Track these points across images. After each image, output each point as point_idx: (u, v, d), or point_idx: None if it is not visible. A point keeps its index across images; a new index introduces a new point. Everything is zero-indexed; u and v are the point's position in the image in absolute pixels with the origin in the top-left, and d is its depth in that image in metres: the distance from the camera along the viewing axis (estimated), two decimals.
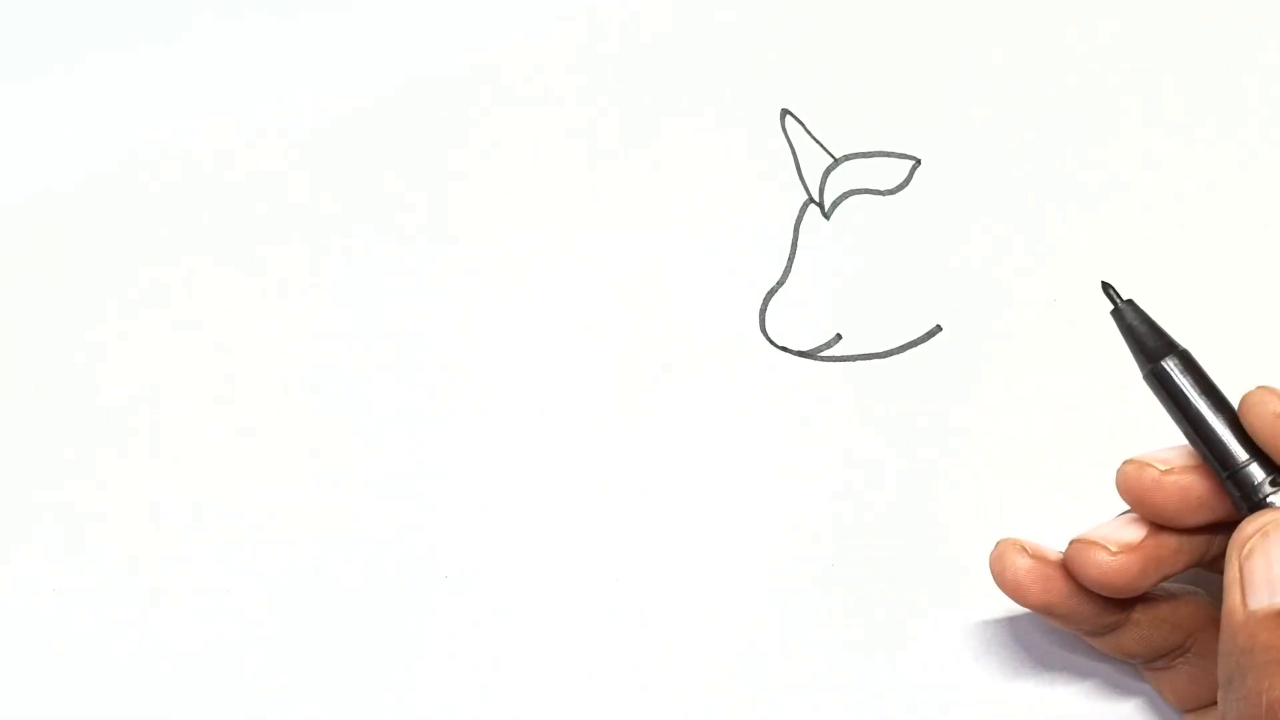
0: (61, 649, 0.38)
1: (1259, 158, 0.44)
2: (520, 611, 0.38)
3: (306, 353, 0.42)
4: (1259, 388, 0.31)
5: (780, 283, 0.43)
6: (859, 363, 0.41)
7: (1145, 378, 0.32)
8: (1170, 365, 0.32)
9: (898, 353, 0.41)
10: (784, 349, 0.42)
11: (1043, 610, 0.34)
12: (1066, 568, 0.33)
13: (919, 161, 0.44)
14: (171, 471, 0.41)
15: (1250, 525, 0.30)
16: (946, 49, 0.46)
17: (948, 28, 0.46)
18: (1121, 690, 0.37)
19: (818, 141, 0.44)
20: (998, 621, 0.38)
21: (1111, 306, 0.33)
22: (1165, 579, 0.33)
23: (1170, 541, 0.32)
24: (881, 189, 0.44)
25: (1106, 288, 0.33)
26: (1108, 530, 0.33)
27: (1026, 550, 0.33)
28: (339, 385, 0.42)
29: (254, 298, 0.43)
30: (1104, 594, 0.33)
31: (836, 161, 0.44)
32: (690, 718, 0.37)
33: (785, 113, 0.45)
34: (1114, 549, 0.32)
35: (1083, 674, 0.37)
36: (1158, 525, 0.32)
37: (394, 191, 0.44)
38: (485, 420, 0.41)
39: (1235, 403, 0.31)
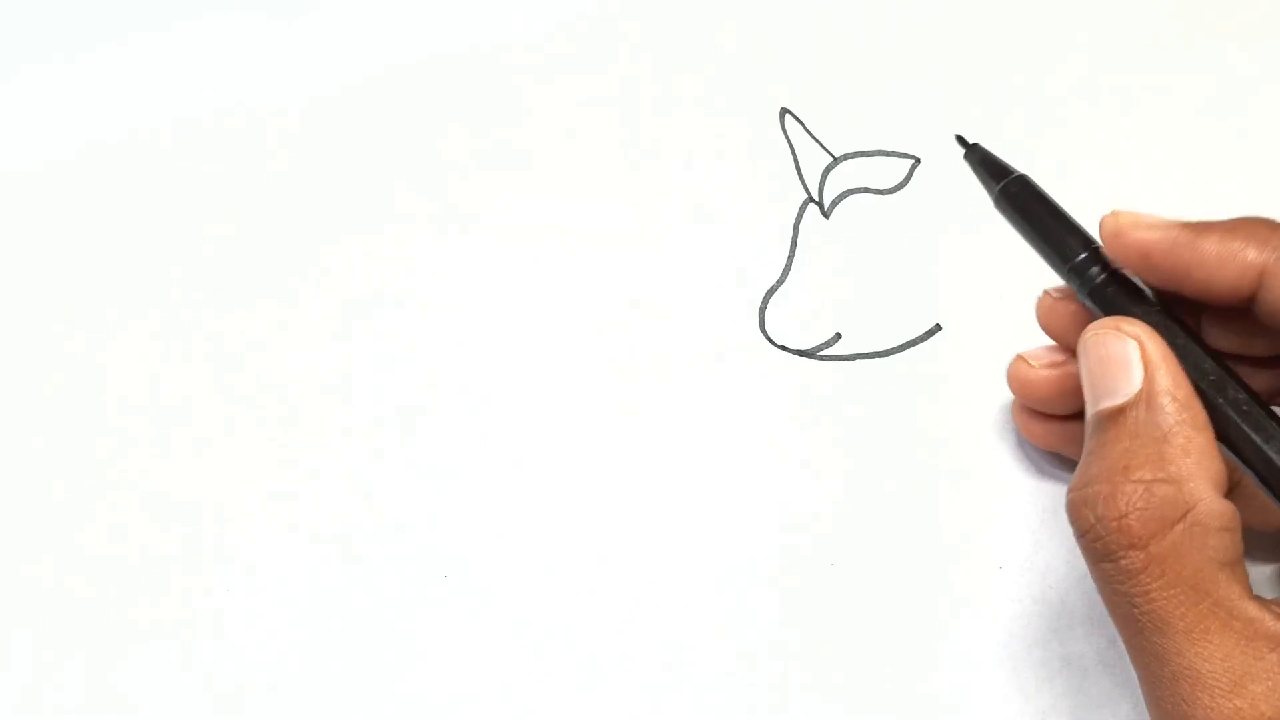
0: (61, 649, 0.38)
1: (1260, 156, 0.44)
2: (520, 611, 0.38)
3: (305, 352, 0.42)
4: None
5: (780, 282, 0.43)
6: (859, 362, 0.41)
7: (995, 202, 0.37)
8: (1013, 185, 0.36)
9: (897, 352, 0.41)
10: (784, 348, 0.42)
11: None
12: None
13: (919, 161, 0.44)
14: (170, 471, 0.41)
15: (1081, 335, 0.33)
16: (946, 49, 0.46)
17: (947, 28, 0.46)
18: (1123, 686, 0.37)
19: (817, 141, 0.44)
20: (998, 621, 0.38)
21: (964, 151, 0.37)
22: None
23: None
24: (881, 188, 0.44)
25: (959, 139, 0.37)
26: (1040, 350, 0.37)
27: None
28: (338, 385, 0.42)
29: (250, 295, 0.43)
30: (1032, 405, 0.37)
31: (836, 161, 0.44)
32: (690, 717, 0.37)
33: (785, 112, 0.45)
34: (1034, 363, 0.37)
35: (1084, 672, 0.37)
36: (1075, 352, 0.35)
37: (394, 190, 0.45)
38: (484, 420, 0.41)
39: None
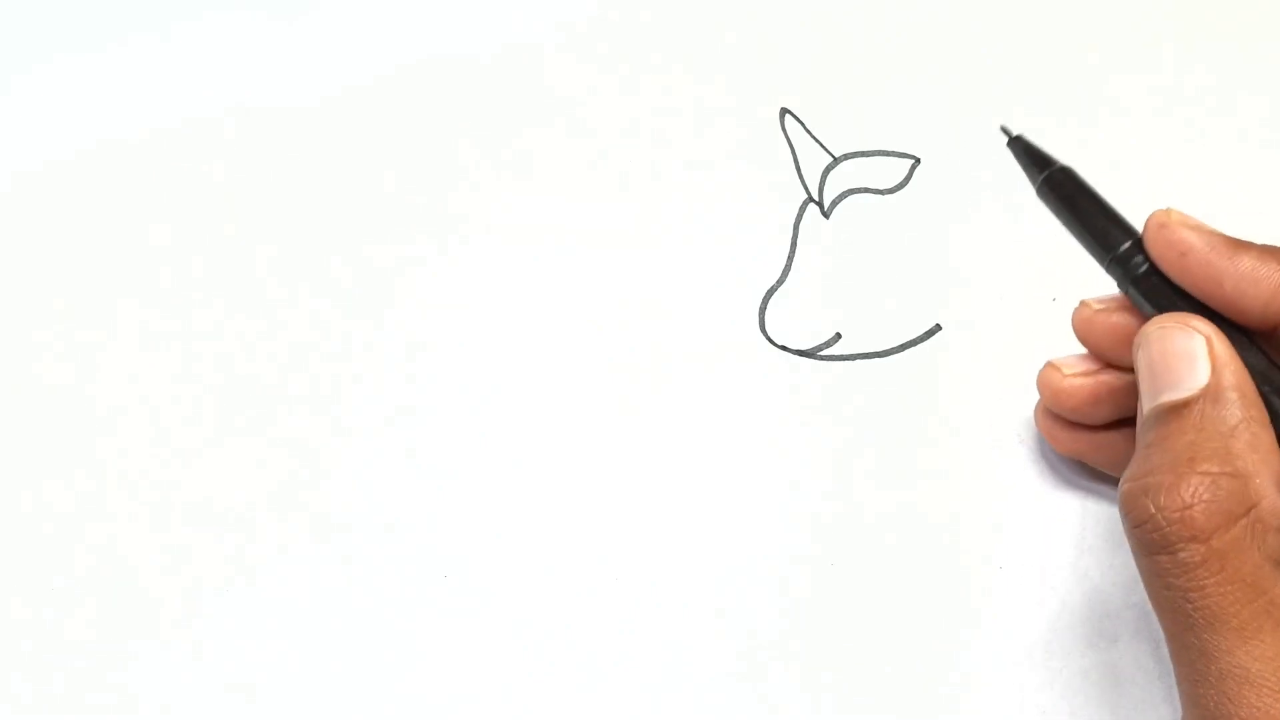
0: (60, 649, 0.38)
1: (1260, 156, 0.44)
2: (519, 611, 0.38)
3: (306, 353, 0.42)
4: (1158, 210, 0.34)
5: (780, 282, 0.43)
6: (859, 362, 0.41)
7: (1038, 192, 0.37)
8: (1057, 175, 0.36)
9: (897, 352, 0.41)
10: (784, 348, 0.42)
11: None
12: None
13: (918, 161, 0.44)
14: (171, 471, 0.41)
15: (1143, 329, 0.33)
16: (946, 49, 0.46)
17: (947, 28, 0.46)
18: (1123, 686, 0.37)
19: (817, 141, 0.44)
20: (999, 620, 0.38)
21: (1007, 139, 0.37)
22: (1133, 414, 0.34)
23: (1126, 378, 0.35)
24: (881, 188, 0.44)
25: (1004, 129, 0.37)
26: (1071, 358, 0.37)
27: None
28: (338, 384, 0.42)
29: (250, 295, 0.43)
30: (1064, 415, 0.37)
31: (836, 161, 0.44)
32: (690, 717, 0.37)
33: (785, 112, 0.45)
34: (1066, 371, 0.36)
35: (1084, 672, 0.37)
36: (1109, 362, 0.36)
37: (394, 190, 0.45)
38: (484, 420, 0.41)
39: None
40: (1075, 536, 0.39)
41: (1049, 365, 0.37)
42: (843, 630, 0.38)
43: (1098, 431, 0.37)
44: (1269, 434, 0.30)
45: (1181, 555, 0.29)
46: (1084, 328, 0.36)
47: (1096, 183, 0.43)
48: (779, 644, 0.38)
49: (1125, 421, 0.37)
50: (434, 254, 0.43)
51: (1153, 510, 0.29)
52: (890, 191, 0.44)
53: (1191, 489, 0.29)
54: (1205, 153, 0.44)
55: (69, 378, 0.42)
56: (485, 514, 0.40)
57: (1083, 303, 0.36)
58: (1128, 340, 0.34)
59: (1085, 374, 0.36)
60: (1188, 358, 0.31)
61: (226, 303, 0.43)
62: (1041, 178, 0.37)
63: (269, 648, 0.38)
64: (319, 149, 0.45)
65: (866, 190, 0.44)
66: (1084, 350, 0.37)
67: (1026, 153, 0.38)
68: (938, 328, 0.42)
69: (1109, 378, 0.36)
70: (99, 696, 0.38)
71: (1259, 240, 0.44)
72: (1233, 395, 0.30)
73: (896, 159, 0.44)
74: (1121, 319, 0.35)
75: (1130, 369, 0.34)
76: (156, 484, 0.40)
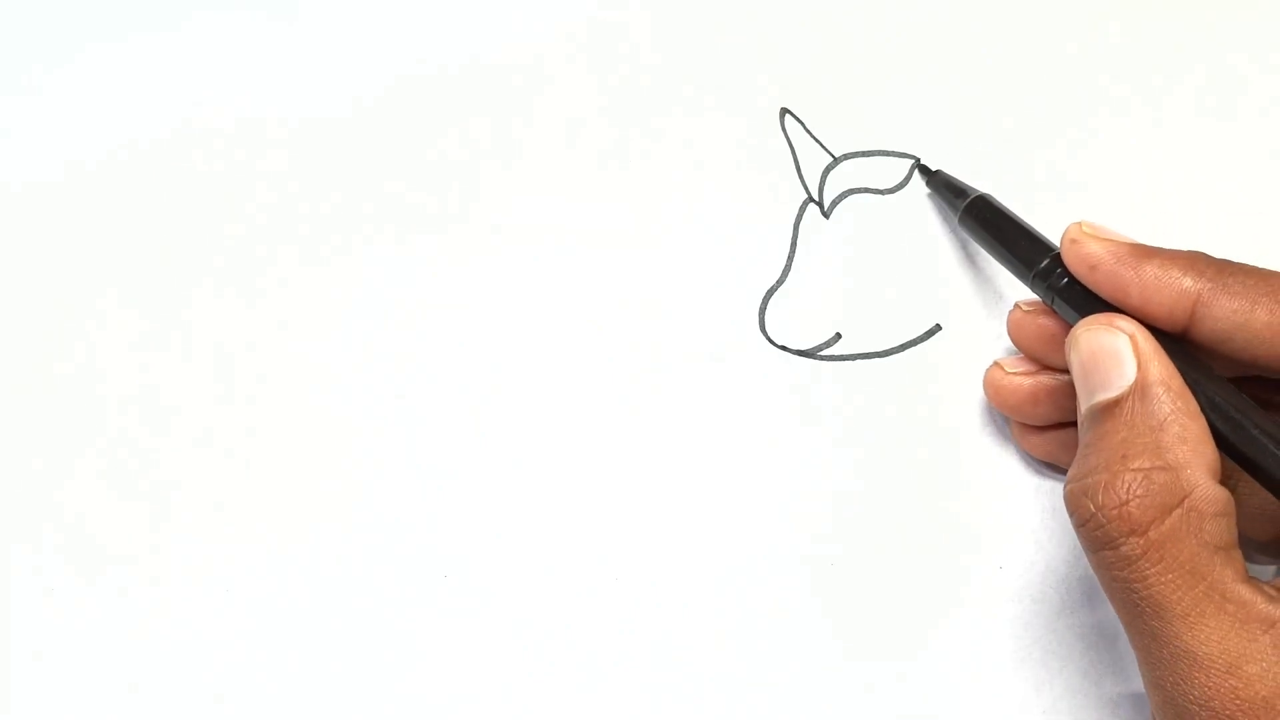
0: (60, 649, 0.38)
1: (1258, 155, 0.44)
2: (520, 611, 0.38)
3: (304, 353, 0.42)
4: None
5: (780, 282, 0.43)
6: (859, 362, 0.41)
7: (960, 220, 0.40)
8: (975, 204, 0.39)
9: (897, 352, 0.41)
10: (784, 348, 0.42)
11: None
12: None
13: (918, 161, 0.44)
14: (169, 471, 0.41)
15: (1072, 332, 0.34)
16: (946, 49, 0.46)
17: (947, 28, 0.46)
18: (1124, 686, 0.37)
19: (817, 141, 0.44)
20: (998, 621, 0.38)
21: (925, 178, 0.42)
22: (1073, 417, 0.36)
23: (1063, 380, 0.37)
24: (881, 188, 0.44)
25: (921, 168, 0.42)
26: (1014, 358, 0.38)
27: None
28: (338, 385, 0.42)
29: (251, 295, 0.43)
30: (1008, 413, 0.38)
31: (836, 160, 0.44)
32: (690, 717, 0.37)
33: (785, 112, 0.45)
34: (1008, 369, 0.38)
35: (1084, 672, 0.37)
36: (1045, 364, 0.37)
37: (393, 191, 0.45)
38: (484, 420, 0.41)
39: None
40: (1075, 536, 0.38)
41: (994, 364, 0.38)
42: (842, 630, 0.38)
43: (1060, 431, 0.38)
44: (1198, 423, 0.31)
45: (1123, 549, 0.30)
46: (1016, 330, 0.37)
47: (1097, 183, 0.44)
48: (779, 644, 0.38)
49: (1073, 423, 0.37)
50: (434, 254, 0.43)
51: (1093, 509, 0.30)
52: (890, 192, 0.44)
53: (1126, 485, 0.30)
54: (1205, 152, 0.44)
55: (68, 378, 0.42)
56: (485, 514, 0.40)
57: (1016, 305, 0.37)
58: (1057, 342, 0.36)
59: (1025, 374, 0.38)
60: (1114, 356, 0.32)
61: (226, 303, 0.43)
62: (962, 207, 0.39)
63: (269, 647, 0.38)
64: (319, 150, 0.45)
65: (866, 190, 0.44)
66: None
67: (946, 186, 0.41)
68: (938, 328, 0.42)
69: (1046, 379, 0.37)
70: (99, 696, 0.38)
71: (1258, 241, 0.44)
72: (1159, 390, 0.31)
73: (896, 159, 0.44)
74: (1049, 321, 0.36)
75: (1065, 370, 0.36)
76: (156, 484, 0.40)
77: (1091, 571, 0.38)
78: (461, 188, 0.44)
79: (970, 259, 0.43)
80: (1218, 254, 0.42)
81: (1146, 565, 0.30)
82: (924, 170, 0.42)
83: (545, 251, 0.43)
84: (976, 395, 0.41)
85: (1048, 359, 0.37)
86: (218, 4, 0.48)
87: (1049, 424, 0.38)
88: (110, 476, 0.41)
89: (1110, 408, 0.32)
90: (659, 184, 0.44)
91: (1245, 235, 0.43)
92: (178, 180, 0.45)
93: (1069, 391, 0.36)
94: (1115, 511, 0.30)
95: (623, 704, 0.37)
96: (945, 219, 0.43)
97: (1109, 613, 0.37)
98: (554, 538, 0.39)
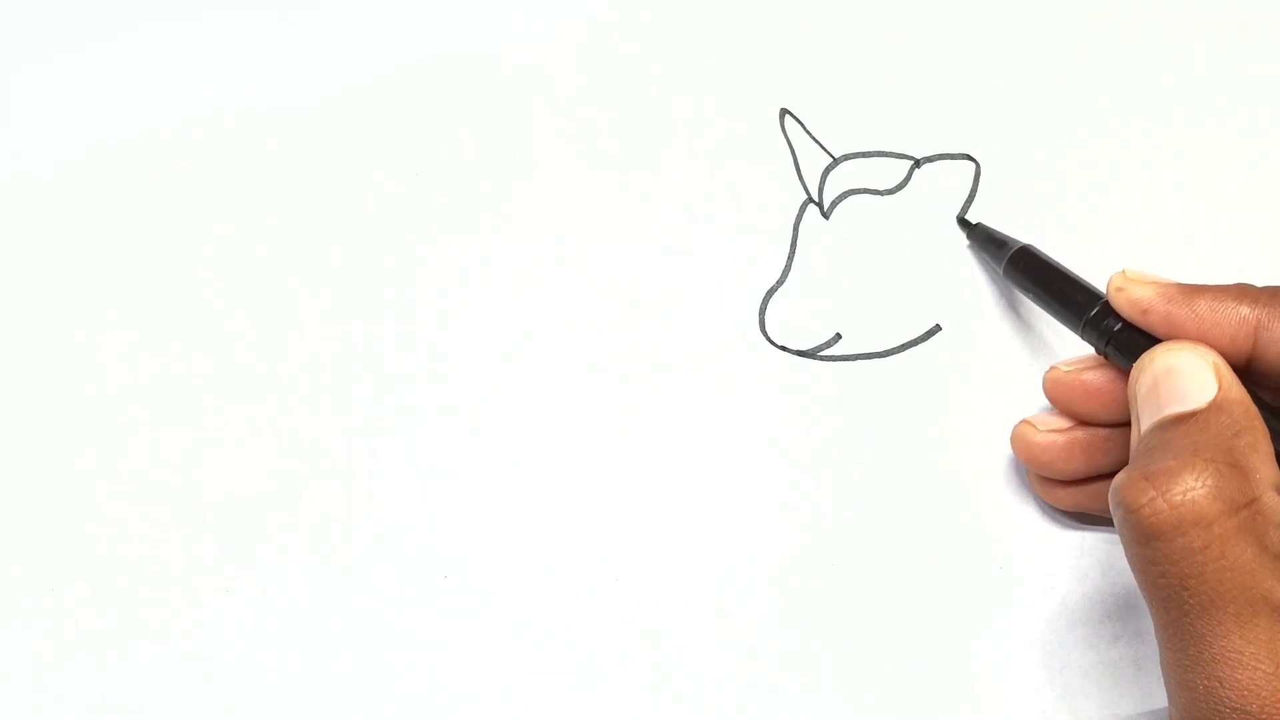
0: (60, 649, 0.38)
1: (1262, 154, 0.44)
2: (520, 611, 0.38)
3: (305, 353, 0.42)
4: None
5: (780, 282, 0.43)
6: (859, 362, 0.41)
7: (1004, 271, 0.39)
8: (1019, 256, 0.39)
9: (897, 352, 0.41)
10: (784, 349, 0.42)
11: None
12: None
13: (918, 161, 0.44)
14: (171, 471, 0.41)
15: (1147, 354, 0.33)
16: (946, 49, 0.46)
17: (947, 28, 0.46)
18: (1124, 686, 0.37)
19: (817, 141, 0.44)
20: (999, 622, 0.38)
21: (966, 231, 0.42)
22: (1105, 470, 0.37)
23: (1098, 434, 0.36)
24: (881, 188, 0.44)
25: (962, 222, 0.43)
26: (1044, 415, 0.38)
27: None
28: (338, 384, 0.42)
29: (254, 297, 0.43)
30: (1038, 469, 0.38)
31: (836, 161, 0.44)
32: (690, 717, 0.37)
33: (785, 112, 0.45)
34: (1041, 428, 0.37)
35: (1084, 672, 0.37)
36: (1081, 420, 0.37)
37: (394, 191, 0.45)
38: (484, 420, 0.41)
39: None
40: (1075, 537, 0.39)
41: (1023, 422, 0.38)
42: (842, 630, 0.38)
43: (1086, 484, 0.38)
44: (1269, 446, 0.31)
45: (1181, 542, 0.29)
46: (1055, 389, 0.37)
47: (1097, 183, 0.44)
48: (779, 644, 0.38)
49: (1102, 476, 0.37)
50: (433, 254, 0.43)
51: (1154, 494, 0.29)
52: (890, 192, 0.44)
53: (1197, 474, 0.29)
54: (1206, 154, 0.44)
55: (68, 378, 0.42)
56: (485, 514, 0.40)
57: (1052, 367, 0.37)
58: (1100, 397, 0.36)
59: (1058, 430, 0.37)
60: (1197, 372, 0.32)
61: (226, 303, 0.43)
62: (1006, 259, 0.39)
63: (269, 648, 0.38)
64: (319, 149, 0.45)
65: (866, 190, 0.44)
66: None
67: (988, 238, 0.41)
68: (938, 328, 0.42)
69: (1081, 434, 0.37)
70: (99, 696, 0.38)
71: (1259, 239, 0.44)
72: (1237, 408, 0.31)
73: (896, 159, 0.44)
74: (1093, 377, 0.36)
75: (1102, 424, 0.36)
76: (157, 484, 0.40)
77: (1092, 571, 0.38)
78: (461, 188, 0.44)
79: (970, 259, 0.43)
80: (1219, 253, 0.42)
81: (1205, 559, 0.29)
82: (964, 224, 0.42)
83: (545, 252, 0.43)
84: (976, 396, 0.41)
85: (1087, 414, 0.37)
86: (218, 2, 0.48)
87: (1078, 478, 0.38)
88: (111, 477, 0.41)
89: (1185, 418, 0.31)
90: (659, 184, 0.44)
91: (1245, 235, 0.43)
92: (175, 178, 0.45)
93: (1103, 445, 0.36)
94: (1182, 498, 0.29)
95: (623, 704, 0.37)
96: (946, 216, 0.43)
97: (1109, 612, 0.37)
98: (554, 538, 0.39)
